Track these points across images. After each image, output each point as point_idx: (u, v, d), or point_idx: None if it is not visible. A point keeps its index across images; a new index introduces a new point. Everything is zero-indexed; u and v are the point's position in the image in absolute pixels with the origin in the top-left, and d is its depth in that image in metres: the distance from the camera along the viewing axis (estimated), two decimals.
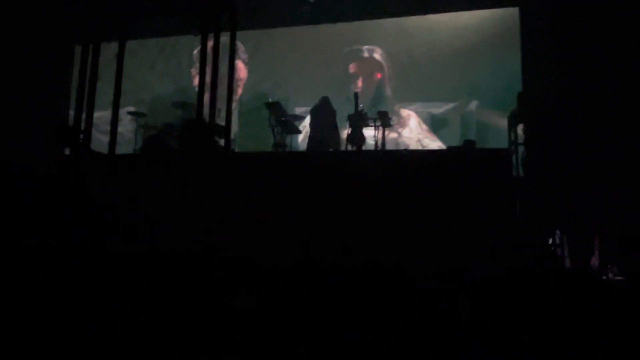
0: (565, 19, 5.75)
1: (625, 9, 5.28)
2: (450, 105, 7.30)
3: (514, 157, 5.29)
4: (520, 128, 5.62)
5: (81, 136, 4.23)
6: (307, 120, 7.84)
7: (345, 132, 6.34)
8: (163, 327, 2.40)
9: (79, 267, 2.93)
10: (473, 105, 7.17)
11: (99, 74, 4.54)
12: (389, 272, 2.78)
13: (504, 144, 5.79)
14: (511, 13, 7.04)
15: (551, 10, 5.94)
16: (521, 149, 5.53)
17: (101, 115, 6.03)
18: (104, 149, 4.62)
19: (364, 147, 6.15)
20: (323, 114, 6.16)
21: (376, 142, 6.39)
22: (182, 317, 2.48)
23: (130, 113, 7.18)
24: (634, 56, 5.17)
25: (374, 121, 6.40)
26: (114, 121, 4.51)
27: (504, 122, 5.99)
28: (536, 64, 6.14)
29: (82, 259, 2.99)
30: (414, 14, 7.45)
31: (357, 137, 6.06)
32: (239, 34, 4.80)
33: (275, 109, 6.40)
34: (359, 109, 6.17)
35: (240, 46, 8.09)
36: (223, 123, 4.61)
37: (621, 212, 4.25)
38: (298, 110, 7.53)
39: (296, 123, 6.93)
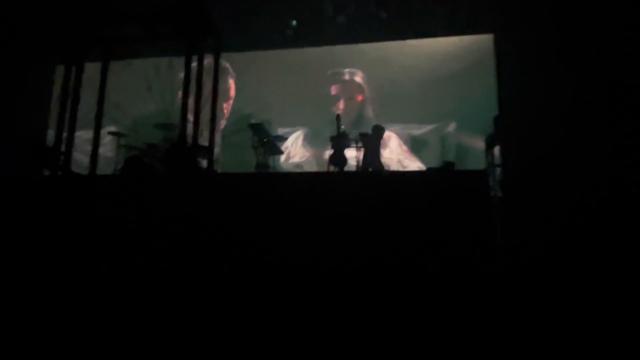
0: (539, 44, 6.01)
1: (598, 34, 5.55)
2: (430, 127, 7.48)
3: (491, 179, 5.44)
4: (497, 150, 5.79)
5: (61, 157, 4.17)
6: (290, 141, 7.92)
7: (327, 153, 6.42)
8: (145, 346, 2.36)
9: (59, 290, 2.87)
10: (451, 127, 7.36)
11: (80, 94, 4.53)
12: (367, 292, 2.80)
13: (482, 165, 5.94)
14: (487, 39, 7.34)
15: (525, 37, 6.20)
16: (498, 170, 5.68)
17: (79, 135, 5.99)
18: (83, 169, 4.57)
19: (345, 168, 6.22)
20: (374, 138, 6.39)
21: (357, 163, 6.48)
22: (164, 336, 2.45)
23: (110, 133, 7.13)
24: (607, 80, 5.41)
25: (356, 142, 6.51)
26: (96, 142, 4.48)
27: (481, 144, 6.16)
28: (511, 88, 6.38)
29: (63, 282, 2.93)
30: (393, 40, 7.70)
31: (338, 158, 6.15)
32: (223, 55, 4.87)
33: (258, 129, 6.45)
34: (341, 130, 6.27)
35: (229, 65, 8.25)
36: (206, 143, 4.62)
37: (597, 230, 4.39)
38: (280, 131, 7.60)
39: (279, 144, 6.98)
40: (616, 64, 5.28)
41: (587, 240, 4.30)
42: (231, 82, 8.34)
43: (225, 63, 8.18)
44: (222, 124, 8.18)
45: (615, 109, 5.21)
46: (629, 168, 4.63)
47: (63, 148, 4.33)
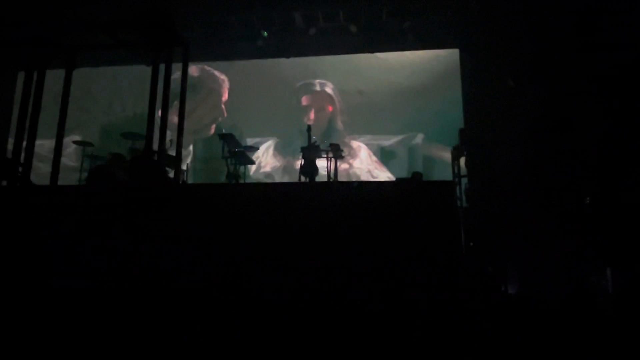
0: (501, 60, 6.25)
1: (556, 50, 5.82)
2: (398, 138, 7.63)
3: (457, 189, 5.58)
4: (462, 161, 5.95)
5: (20, 168, 4.02)
6: (261, 151, 7.90)
7: (298, 163, 6.43)
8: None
9: (19, 307, 2.75)
10: (419, 138, 7.53)
11: (42, 101, 4.39)
12: (337, 300, 2.82)
13: (448, 176, 6.08)
14: (453, 54, 7.57)
15: (488, 52, 6.44)
16: (464, 180, 5.84)
17: (44, 144, 5.81)
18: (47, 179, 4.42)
19: (316, 178, 6.24)
20: None
21: (328, 173, 6.51)
22: (131, 350, 2.38)
23: (75, 142, 6.93)
24: (565, 94, 5.67)
25: (327, 153, 6.54)
26: (58, 151, 4.35)
27: (448, 155, 6.32)
28: (475, 102, 6.60)
29: (23, 298, 2.81)
30: (362, 52, 7.83)
31: (309, 169, 6.16)
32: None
33: (229, 140, 6.39)
34: (312, 141, 6.29)
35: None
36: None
37: (555, 237, 4.56)
38: (250, 142, 7.58)
39: (249, 154, 6.95)
40: (575, 81, 5.55)
41: (548, 245, 4.47)
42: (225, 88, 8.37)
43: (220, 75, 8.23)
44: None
45: (572, 124, 5.47)
46: (585, 178, 4.85)
47: (23, 158, 4.18)
